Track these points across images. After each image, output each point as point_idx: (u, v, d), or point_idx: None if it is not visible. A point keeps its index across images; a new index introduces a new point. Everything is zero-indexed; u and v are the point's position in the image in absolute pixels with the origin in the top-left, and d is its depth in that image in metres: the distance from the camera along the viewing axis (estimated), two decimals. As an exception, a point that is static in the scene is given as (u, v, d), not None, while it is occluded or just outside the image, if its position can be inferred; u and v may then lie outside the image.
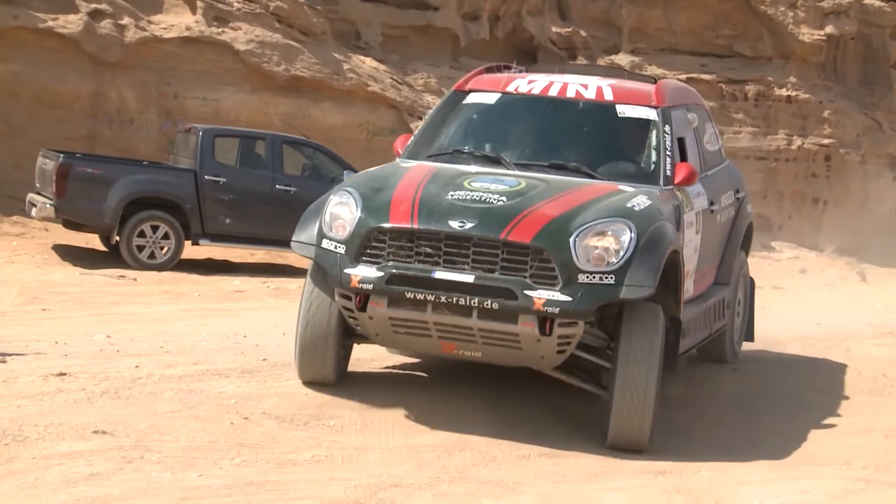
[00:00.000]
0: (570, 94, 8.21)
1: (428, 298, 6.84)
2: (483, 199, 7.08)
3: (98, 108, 18.54)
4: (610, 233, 6.87)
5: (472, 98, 8.38)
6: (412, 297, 6.86)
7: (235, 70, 19.37)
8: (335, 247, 7.10)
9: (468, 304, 6.80)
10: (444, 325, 6.91)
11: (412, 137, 8.31)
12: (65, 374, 7.57)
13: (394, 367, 8.54)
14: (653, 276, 6.84)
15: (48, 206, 14.89)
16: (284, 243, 9.01)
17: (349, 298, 7.06)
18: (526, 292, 6.76)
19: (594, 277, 6.78)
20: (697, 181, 8.11)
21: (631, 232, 6.89)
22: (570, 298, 6.74)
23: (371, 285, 6.92)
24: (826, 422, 8.31)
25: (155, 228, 14.98)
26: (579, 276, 6.77)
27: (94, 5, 18.50)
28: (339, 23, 21.27)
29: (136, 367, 8.01)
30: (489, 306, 6.77)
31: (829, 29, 25.67)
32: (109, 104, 18.62)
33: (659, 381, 7.06)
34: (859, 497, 6.57)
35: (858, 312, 14.87)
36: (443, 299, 6.82)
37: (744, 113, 25.06)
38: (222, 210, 15.36)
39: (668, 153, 7.89)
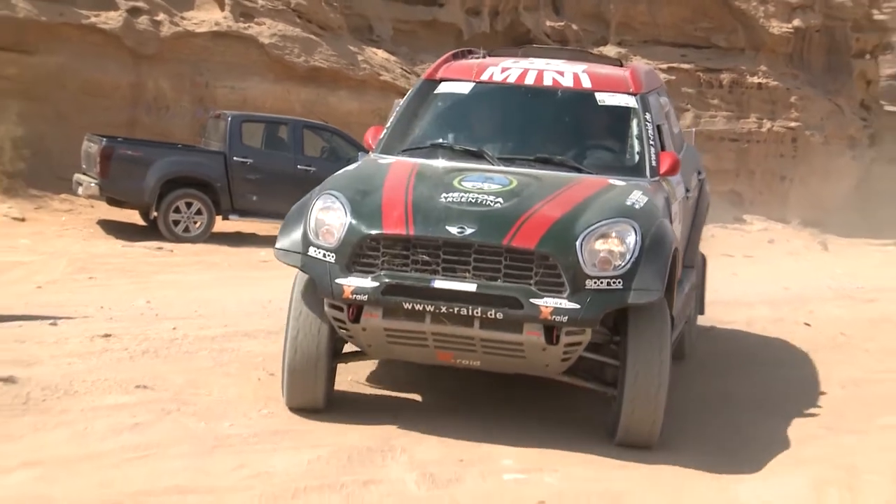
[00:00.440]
0: (548, 81, 7.20)
1: (427, 309, 5.85)
2: (479, 200, 6.09)
3: (137, 97, 18.51)
4: (614, 234, 5.96)
5: (444, 87, 7.29)
6: (410, 307, 5.85)
7: (260, 62, 19.33)
8: (324, 255, 6.01)
9: (470, 313, 5.83)
10: (443, 335, 5.93)
11: (385, 130, 7.18)
12: (109, 335, 7.60)
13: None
14: (660, 280, 5.97)
15: (93, 185, 14.89)
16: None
17: (340, 310, 6.00)
18: (532, 300, 5.81)
19: (602, 283, 5.86)
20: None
21: (636, 233, 5.99)
22: (578, 306, 5.81)
23: (366, 296, 5.87)
24: (788, 375, 8.32)
25: (189, 205, 14.99)
26: (587, 281, 5.85)
27: (132, 3, 18.45)
28: (354, 18, 21.24)
29: (174, 329, 8.05)
30: (493, 316, 5.81)
31: (796, 22, 25.63)
32: (147, 93, 18.59)
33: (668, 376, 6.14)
34: (821, 441, 6.59)
35: (821, 278, 14.86)
36: (443, 309, 5.84)
37: (719, 99, 25.04)
38: (249, 188, 15.34)
39: (650, 143, 6.97)
